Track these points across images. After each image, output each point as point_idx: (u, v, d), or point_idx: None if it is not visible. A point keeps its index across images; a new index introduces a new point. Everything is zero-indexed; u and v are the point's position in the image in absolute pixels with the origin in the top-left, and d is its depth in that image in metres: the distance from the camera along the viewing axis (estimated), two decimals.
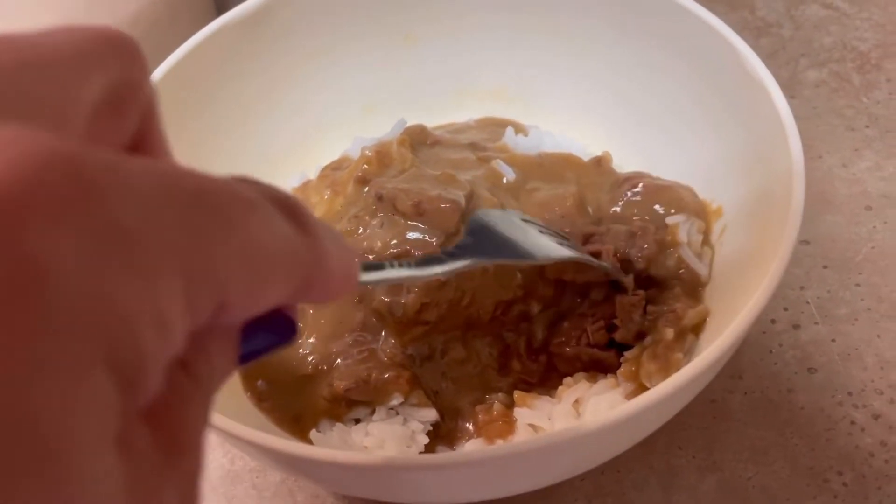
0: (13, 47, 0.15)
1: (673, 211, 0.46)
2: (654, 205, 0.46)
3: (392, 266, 0.28)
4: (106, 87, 0.16)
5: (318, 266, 0.17)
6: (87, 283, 0.12)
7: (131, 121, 0.18)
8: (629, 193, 0.45)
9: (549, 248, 0.40)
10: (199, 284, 0.14)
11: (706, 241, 0.46)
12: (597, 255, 0.43)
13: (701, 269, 0.44)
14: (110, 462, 0.12)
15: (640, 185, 0.46)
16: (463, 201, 0.44)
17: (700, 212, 0.46)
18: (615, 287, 0.44)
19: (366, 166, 0.46)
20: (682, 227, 0.45)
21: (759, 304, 0.33)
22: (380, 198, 0.44)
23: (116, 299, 0.12)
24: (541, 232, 0.42)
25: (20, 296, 0.11)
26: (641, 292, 0.43)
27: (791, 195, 0.36)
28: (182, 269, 0.14)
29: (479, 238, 0.38)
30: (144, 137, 0.18)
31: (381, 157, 0.47)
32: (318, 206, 0.48)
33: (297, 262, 0.17)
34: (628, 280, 0.42)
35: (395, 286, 0.42)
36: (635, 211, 0.46)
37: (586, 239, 0.44)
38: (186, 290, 0.14)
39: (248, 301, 0.15)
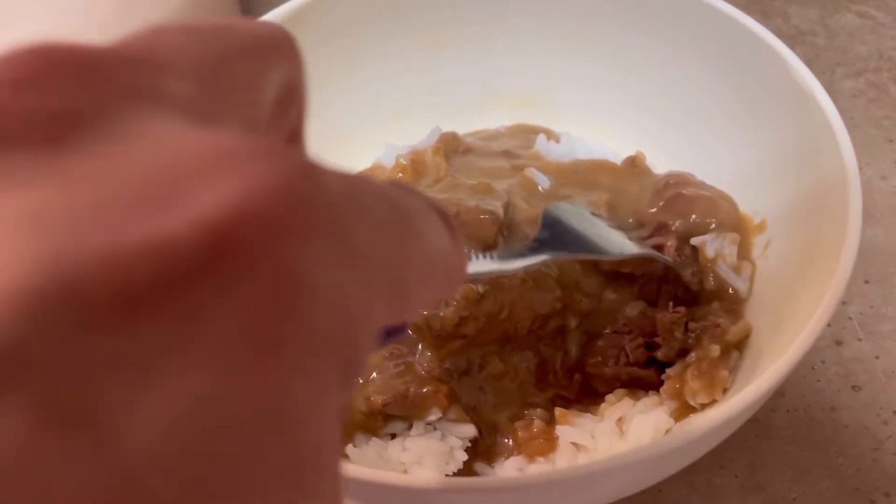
0: (201, 38, 0.14)
1: (710, 223, 0.45)
2: (691, 215, 0.45)
3: (477, 258, 0.28)
4: (280, 85, 0.16)
5: (462, 275, 0.18)
6: (334, 298, 0.12)
7: (291, 121, 0.17)
8: (673, 205, 0.45)
9: (622, 244, 0.41)
10: (396, 296, 0.14)
11: (745, 255, 0.45)
12: (659, 248, 0.43)
13: (739, 284, 0.43)
14: (338, 470, 0.13)
15: (680, 193, 0.45)
16: (501, 212, 0.43)
17: (736, 225, 0.45)
18: (652, 304, 0.43)
19: (400, 175, 0.45)
20: (710, 245, 0.44)
21: (819, 326, 0.32)
22: None
23: (352, 314, 0.13)
24: (610, 227, 0.42)
25: (284, 309, 0.11)
26: (682, 309, 0.42)
27: (847, 209, 0.35)
28: (389, 280, 0.14)
29: (554, 232, 0.39)
30: (295, 137, 0.18)
31: (415, 165, 0.46)
32: None
33: (455, 273, 0.17)
34: (688, 275, 0.42)
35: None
36: (671, 220, 0.45)
37: (657, 230, 0.44)
38: (389, 302, 0.14)
39: (417, 309, 0.16)
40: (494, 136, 0.54)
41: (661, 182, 0.47)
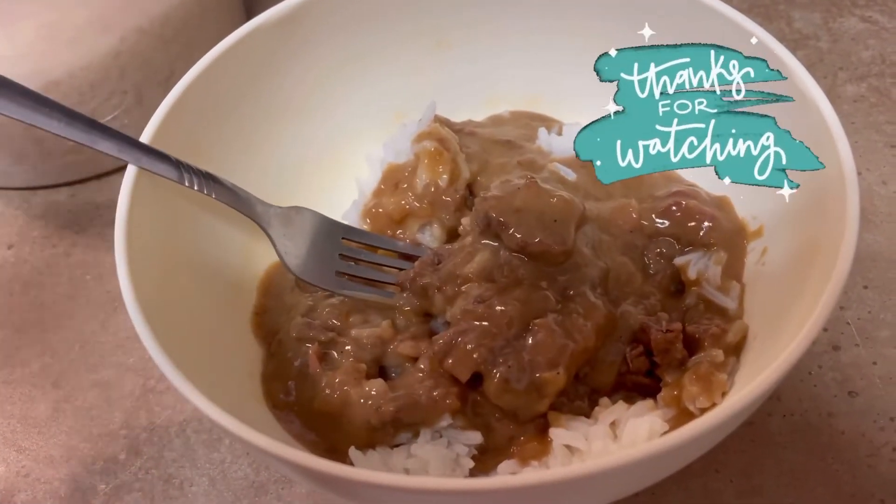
0: None
1: (707, 237, 0.44)
2: (688, 224, 0.45)
3: None
4: None
5: None
6: None
7: None
8: (673, 211, 0.45)
9: None
10: None
11: (734, 274, 0.44)
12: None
13: (728, 303, 0.42)
14: None
15: (683, 205, 0.45)
16: (572, 239, 0.41)
17: (733, 240, 0.45)
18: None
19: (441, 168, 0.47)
20: (693, 266, 0.44)
21: (815, 330, 0.32)
22: (488, 223, 0.42)
23: None
24: None
25: None
26: (677, 325, 0.41)
27: (845, 214, 0.35)
28: None
29: None
30: None
31: (443, 143, 0.47)
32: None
33: None
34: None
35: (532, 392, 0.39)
36: (671, 230, 0.45)
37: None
38: None
39: None
40: (497, 121, 0.54)
41: (666, 191, 0.47)
